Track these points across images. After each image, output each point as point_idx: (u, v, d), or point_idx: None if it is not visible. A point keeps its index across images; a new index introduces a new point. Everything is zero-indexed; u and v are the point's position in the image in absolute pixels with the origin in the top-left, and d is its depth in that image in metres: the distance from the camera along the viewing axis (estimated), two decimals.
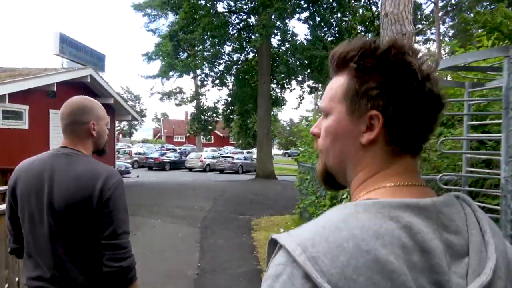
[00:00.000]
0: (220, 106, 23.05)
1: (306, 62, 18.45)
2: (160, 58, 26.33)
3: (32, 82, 9.14)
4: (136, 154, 30.31)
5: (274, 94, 21.48)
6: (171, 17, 26.54)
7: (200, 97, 23.02)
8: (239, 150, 46.16)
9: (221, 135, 54.77)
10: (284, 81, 21.11)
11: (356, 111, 0.62)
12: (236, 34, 20.68)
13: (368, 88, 0.61)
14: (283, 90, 21.58)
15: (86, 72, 11.89)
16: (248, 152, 41.69)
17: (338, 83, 0.66)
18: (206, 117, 22.81)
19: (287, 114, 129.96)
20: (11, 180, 1.58)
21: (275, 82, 21.30)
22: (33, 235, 1.52)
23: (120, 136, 37.70)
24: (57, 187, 1.47)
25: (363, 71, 0.62)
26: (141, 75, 40.07)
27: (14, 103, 9.09)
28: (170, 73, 40.72)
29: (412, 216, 0.54)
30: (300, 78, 20.33)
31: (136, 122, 38.22)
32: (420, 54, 0.61)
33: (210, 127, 23.22)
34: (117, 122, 17.51)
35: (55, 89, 10.08)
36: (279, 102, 21.75)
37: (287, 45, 20.27)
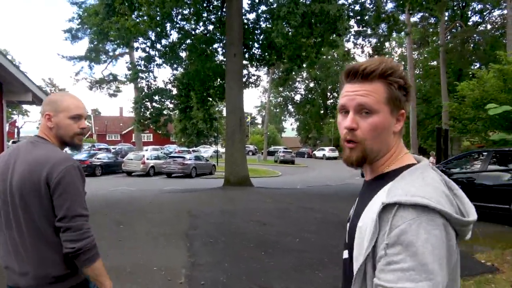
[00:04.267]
0: (174, 90, 16.99)
1: (303, 21, 13.25)
2: (87, 25, 19.65)
3: None
4: None
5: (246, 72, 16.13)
6: None
7: (146, 75, 16.69)
8: (185, 149, 40.29)
9: (159, 132, 48.40)
10: (262, 53, 15.78)
11: (395, 110, 0.97)
12: None
13: (400, 95, 0.97)
14: (261, 65, 16.24)
15: None
16: (193, 151, 36.14)
17: (378, 90, 0.94)
18: (155, 103, 16.69)
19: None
20: None
21: (249, 55, 15.94)
22: None
23: (18, 127, 27.99)
24: (16, 171, 1.55)
25: (395, 83, 0.96)
26: (63, 55, 32.23)
27: None
28: (102, 57, 33.15)
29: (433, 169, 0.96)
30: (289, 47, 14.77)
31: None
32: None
33: (165, 118, 17.07)
34: (10, 107, 10.98)
35: None
36: (252, 82, 16.43)
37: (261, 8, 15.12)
